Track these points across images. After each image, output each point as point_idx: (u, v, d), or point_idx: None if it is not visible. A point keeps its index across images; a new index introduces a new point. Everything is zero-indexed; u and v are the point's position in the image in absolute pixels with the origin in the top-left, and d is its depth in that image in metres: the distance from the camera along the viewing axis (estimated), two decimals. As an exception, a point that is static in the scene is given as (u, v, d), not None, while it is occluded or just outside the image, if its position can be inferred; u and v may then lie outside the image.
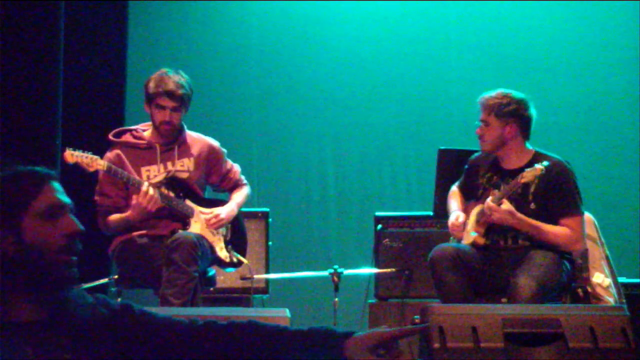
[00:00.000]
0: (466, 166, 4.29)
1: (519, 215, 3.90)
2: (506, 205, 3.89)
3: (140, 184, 4.03)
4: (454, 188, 4.35)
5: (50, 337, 1.82)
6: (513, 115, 4.01)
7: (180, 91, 4.12)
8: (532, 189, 3.95)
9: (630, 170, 6.17)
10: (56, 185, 1.90)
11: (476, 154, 4.27)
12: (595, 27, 6.46)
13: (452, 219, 4.14)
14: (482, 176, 4.14)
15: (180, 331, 1.95)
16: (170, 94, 4.10)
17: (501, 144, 4.04)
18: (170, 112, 4.12)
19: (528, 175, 3.83)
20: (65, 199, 1.90)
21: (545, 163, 3.84)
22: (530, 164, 3.98)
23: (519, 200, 3.96)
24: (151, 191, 4.00)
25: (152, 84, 4.14)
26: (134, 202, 4.01)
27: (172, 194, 4.15)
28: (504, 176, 4.07)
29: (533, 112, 4.06)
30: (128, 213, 4.05)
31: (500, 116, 4.01)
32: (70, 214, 1.89)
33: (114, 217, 4.13)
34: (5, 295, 1.82)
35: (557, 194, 3.95)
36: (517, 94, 4.07)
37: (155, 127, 4.18)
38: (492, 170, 4.13)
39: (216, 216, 4.19)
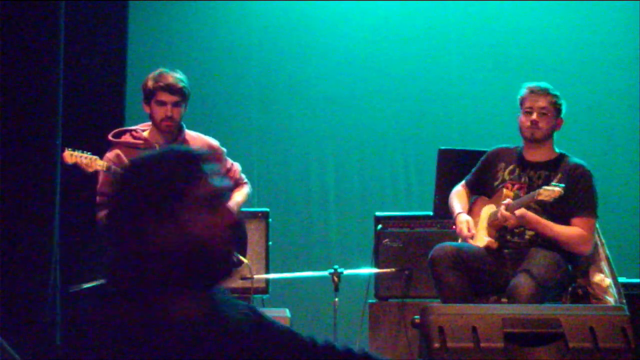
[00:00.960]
0: (483, 157, 4.31)
1: (530, 216, 3.95)
2: (519, 210, 3.94)
3: (140, 184, 4.02)
4: (459, 187, 4.35)
5: (206, 337, 1.62)
6: (562, 111, 4.16)
7: (180, 84, 4.14)
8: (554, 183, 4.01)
9: (630, 170, 6.17)
10: (214, 168, 1.65)
11: (499, 146, 4.31)
12: (595, 27, 6.45)
13: (464, 229, 4.12)
14: (504, 169, 4.18)
15: (302, 347, 1.79)
16: (170, 88, 4.11)
17: (550, 135, 4.15)
18: (171, 107, 4.13)
19: (545, 194, 3.85)
20: (224, 183, 1.65)
21: (562, 185, 3.87)
22: (554, 161, 4.11)
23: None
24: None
25: (150, 82, 4.16)
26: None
27: (172, 194, 4.14)
28: (525, 167, 4.14)
29: None
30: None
31: (557, 109, 4.14)
32: (227, 202, 1.66)
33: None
34: (162, 292, 1.59)
35: (575, 195, 4.01)
36: None
37: (156, 126, 4.18)
38: (516, 162, 4.18)
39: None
